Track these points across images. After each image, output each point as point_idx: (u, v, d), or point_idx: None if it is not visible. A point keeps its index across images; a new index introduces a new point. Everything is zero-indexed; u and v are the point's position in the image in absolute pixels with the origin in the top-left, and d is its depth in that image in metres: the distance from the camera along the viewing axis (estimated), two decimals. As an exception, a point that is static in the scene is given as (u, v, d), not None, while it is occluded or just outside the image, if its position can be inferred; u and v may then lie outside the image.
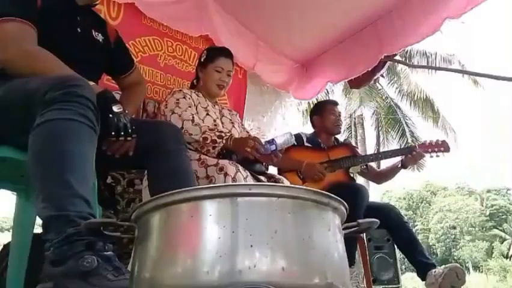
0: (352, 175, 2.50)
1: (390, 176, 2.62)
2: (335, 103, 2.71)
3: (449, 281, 1.96)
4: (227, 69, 1.95)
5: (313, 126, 2.68)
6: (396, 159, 2.53)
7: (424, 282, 2.12)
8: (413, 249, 2.25)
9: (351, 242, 2.13)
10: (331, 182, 2.33)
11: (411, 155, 2.36)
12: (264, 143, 1.60)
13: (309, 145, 2.54)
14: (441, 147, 2.39)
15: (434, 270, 2.07)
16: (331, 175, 2.37)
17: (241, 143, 1.61)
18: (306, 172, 2.34)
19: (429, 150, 2.38)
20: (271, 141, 1.62)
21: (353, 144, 2.77)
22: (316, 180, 2.32)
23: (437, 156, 2.42)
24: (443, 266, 2.09)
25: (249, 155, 1.58)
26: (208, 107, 1.90)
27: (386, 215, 2.29)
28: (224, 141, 1.62)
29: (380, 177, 2.68)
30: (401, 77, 11.51)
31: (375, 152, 2.76)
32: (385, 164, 2.75)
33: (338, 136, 2.71)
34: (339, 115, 2.66)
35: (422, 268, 2.16)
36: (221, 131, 1.67)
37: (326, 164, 2.40)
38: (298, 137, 2.53)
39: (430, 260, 2.24)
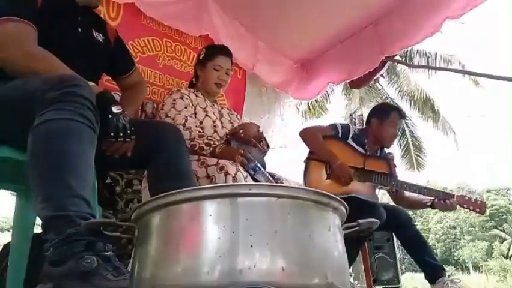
0: (376, 191, 2.37)
1: (412, 207, 2.52)
2: (402, 115, 2.50)
3: None
4: (226, 68, 1.94)
5: (368, 124, 2.49)
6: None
7: (431, 284, 2.10)
8: (422, 250, 2.22)
9: (355, 243, 2.12)
10: (355, 191, 2.20)
11: (444, 201, 2.22)
12: (249, 162, 1.57)
13: (352, 143, 2.38)
14: (478, 207, 2.21)
15: (447, 280, 2.03)
16: (357, 184, 2.24)
17: (229, 154, 1.59)
18: (336, 170, 2.23)
19: (465, 205, 2.22)
20: (257, 168, 1.56)
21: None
22: (342, 183, 2.21)
23: (469, 212, 2.30)
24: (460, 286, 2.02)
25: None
26: (207, 107, 1.89)
27: (395, 217, 2.25)
28: (211, 149, 1.62)
29: (403, 201, 2.49)
30: (401, 77, 11.50)
31: (411, 183, 2.48)
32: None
33: None
34: (399, 129, 2.50)
35: (431, 270, 2.13)
36: (210, 139, 1.67)
37: (358, 171, 2.28)
38: (345, 128, 2.43)
39: (439, 262, 2.22)
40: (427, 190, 2.25)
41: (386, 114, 2.41)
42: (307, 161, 2.36)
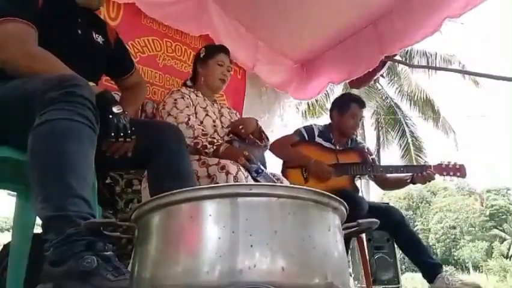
0: (356, 183, 2.41)
1: (397, 186, 2.55)
2: (361, 105, 2.51)
3: None
4: (227, 65, 1.98)
5: (331, 119, 2.55)
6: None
7: (430, 284, 2.08)
8: (416, 250, 2.21)
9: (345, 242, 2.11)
10: (333, 187, 2.22)
11: (421, 174, 2.25)
12: (253, 166, 1.57)
13: (320, 141, 2.44)
14: (458, 171, 2.23)
15: (445, 275, 2.02)
16: (336, 179, 2.29)
17: (232, 154, 1.60)
18: (313, 170, 2.27)
19: (444, 172, 2.25)
20: (260, 171, 1.57)
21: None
22: (322, 180, 2.26)
23: (451, 180, 2.31)
24: (460, 280, 2.00)
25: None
26: (207, 107, 1.89)
27: (389, 217, 2.25)
28: (215, 147, 1.62)
29: (387, 184, 2.56)
30: (401, 77, 11.51)
31: (387, 165, 2.50)
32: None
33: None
34: (360, 119, 2.52)
35: (428, 269, 2.12)
36: (213, 138, 1.67)
37: (333, 166, 2.32)
38: (309, 130, 2.47)
39: (435, 260, 2.20)
40: (404, 168, 2.34)
41: (346, 107, 2.45)
42: (283, 171, 2.39)
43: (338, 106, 2.53)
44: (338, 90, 10.55)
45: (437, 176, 2.26)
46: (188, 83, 2.03)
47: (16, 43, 1.07)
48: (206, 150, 1.62)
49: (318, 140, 2.45)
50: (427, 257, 2.17)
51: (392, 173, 2.38)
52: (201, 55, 2.00)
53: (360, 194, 2.49)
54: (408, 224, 2.36)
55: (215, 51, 1.99)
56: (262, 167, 1.60)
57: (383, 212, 2.25)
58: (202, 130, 1.70)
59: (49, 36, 1.16)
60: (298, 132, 2.46)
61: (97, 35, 1.40)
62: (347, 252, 2.25)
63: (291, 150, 2.38)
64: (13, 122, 0.99)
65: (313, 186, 2.18)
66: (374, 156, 2.55)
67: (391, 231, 2.37)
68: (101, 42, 1.41)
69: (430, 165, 2.30)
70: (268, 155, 2.00)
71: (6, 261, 1.13)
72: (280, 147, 2.40)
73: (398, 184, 2.52)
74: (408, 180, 2.36)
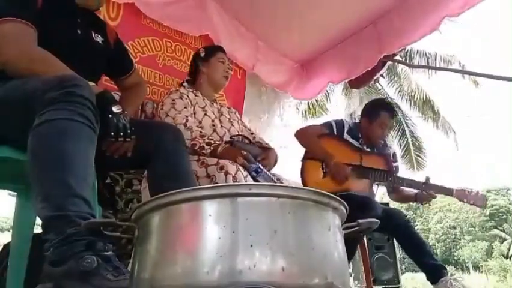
0: (373, 188, 2.36)
1: (404, 200, 2.53)
2: (392, 114, 2.41)
3: None
4: (227, 62, 2.03)
5: (360, 123, 2.48)
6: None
7: (433, 285, 2.08)
8: (421, 252, 2.20)
9: (352, 242, 2.11)
10: (351, 188, 2.20)
11: (426, 192, 2.21)
12: (251, 166, 1.57)
13: (348, 138, 2.39)
14: (478, 200, 2.17)
15: (449, 279, 2.02)
16: (354, 181, 2.24)
17: (230, 154, 1.60)
18: (331, 169, 2.24)
19: (465, 199, 2.18)
20: (259, 170, 1.56)
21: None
22: (338, 182, 2.22)
23: (470, 206, 2.27)
24: (463, 286, 2.00)
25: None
26: (206, 106, 1.89)
27: (393, 219, 2.24)
28: (212, 148, 1.62)
29: (397, 195, 2.49)
30: (401, 77, 11.51)
31: (409, 178, 2.40)
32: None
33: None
34: (390, 129, 2.45)
35: (433, 271, 2.11)
36: (211, 139, 1.67)
37: (355, 168, 2.27)
38: (340, 124, 2.42)
39: (439, 261, 2.20)
40: (425, 185, 2.23)
41: (375, 115, 2.37)
42: (304, 160, 2.38)
43: (367, 113, 2.44)
44: (338, 91, 10.57)
45: (457, 200, 2.22)
46: (186, 84, 2.02)
47: (15, 44, 1.07)
48: (204, 151, 1.62)
49: (346, 136, 2.39)
50: (431, 259, 2.16)
51: (413, 188, 2.29)
52: (201, 54, 2.01)
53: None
54: (412, 226, 2.35)
55: (215, 50, 2.03)
56: (261, 167, 1.59)
57: (387, 214, 2.22)
58: (200, 132, 1.70)
59: (49, 36, 1.16)
60: (328, 124, 2.42)
61: (96, 35, 1.40)
62: (352, 255, 2.25)
63: (316, 143, 2.33)
64: (13, 122, 0.99)
65: (328, 184, 2.21)
66: (398, 163, 2.48)
67: (395, 234, 2.36)
68: (100, 42, 1.41)
69: (453, 189, 2.21)
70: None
71: (6, 261, 1.13)
72: (305, 135, 2.37)
73: (406, 199, 2.48)
74: (414, 199, 2.34)
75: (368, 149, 2.40)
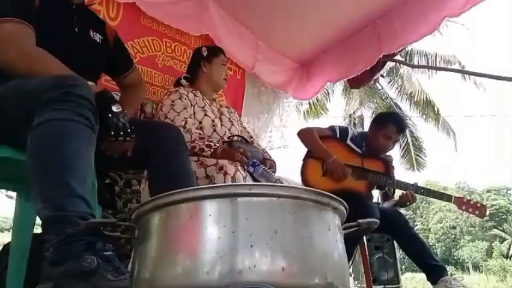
0: (372, 190, 2.38)
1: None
2: (400, 129, 2.40)
3: None
4: (227, 65, 2.07)
5: (369, 130, 2.50)
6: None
7: (433, 285, 2.08)
8: (420, 252, 2.20)
9: (351, 243, 2.11)
10: (348, 189, 2.23)
11: (406, 194, 2.26)
12: (249, 161, 1.60)
13: (351, 144, 2.40)
14: (478, 210, 2.16)
15: (448, 279, 2.02)
16: (353, 182, 2.27)
17: (229, 154, 1.61)
18: (329, 166, 2.26)
19: (464, 207, 2.18)
20: (256, 164, 1.59)
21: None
22: (335, 179, 2.25)
23: (468, 216, 2.31)
24: (462, 286, 2.00)
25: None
26: (206, 106, 1.89)
27: (392, 220, 2.24)
28: (212, 151, 1.63)
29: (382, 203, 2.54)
30: (402, 77, 11.51)
31: (407, 182, 2.42)
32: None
33: None
34: (395, 143, 2.41)
35: (432, 271, 2.11)
36: (211, 141, 1.67)
37: (355, 169, 2.30)
38: (344, 130, 2.46)
39: (439, 262, 2.20)
40: (424, 190, 2.24)
41: (383, 125, 2.37)
42: (305, 158, 2.40)
43: (377, 120, 2.48)
44: (338, 91, 10.58)
45: (455, 207, 2.22)
46: (184, 81, 2.02)
47: (14, 44, 1.07)
48: (204, 154, 1.63)
49: (349, 142, 2.41)
50: (431, 260, 2.17)
51: (411, 192, 2.29)
52: (204, 54, 2.00)
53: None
54: (411, 227, 2.36)
55: (217, 51, 2.03)
56: (258, 162, 1.62)
57: (386, 215, 2.21)
58: (200, 134, 1.70)
59: (47, 36, 1.15)
60: (331, 128, 2.47)
61: (94, 33, 1.40)
62: (352, 255, 2.26)
63: (317, 142, 2.35)
64: (13, 122, 0.99)
65: (328, 182, 2.24)
66: (394, 170, 2.49)
67: (394, 234, 2.36)
68: (99, 41, 1.41)
69: (452, 196, 2.21)
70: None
71: (6, 261, 1.13)
72: (307, 134, 2.40)
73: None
74: (395, 204, 2.38)
75: (369, 155, 2.40)
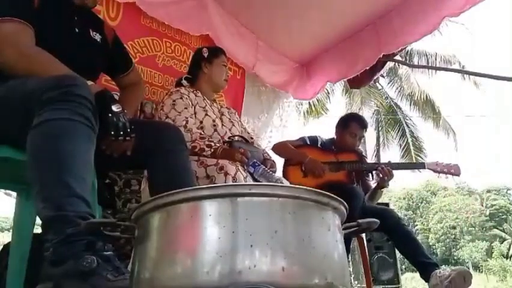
0: (353, 178, 2.48)
1: (377, 197, 2.60)
2: (362, 125, 2.61)
3: (455, 286, 1.94)
4: (227, 65, 2.06)
5: (335, 134, 2.67)
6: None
7: (428, 283, 2.09)
8: (413, 250, 2.23)
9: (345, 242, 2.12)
10: (330, 181, 2.35)
11: (381, 172, 2.36)
12: (249, 161, 1.61)
13: (321, 148, 2.58)
14: (452, 169, 2.34)
15: (438, 270, 2.05)
16: (333, 174, 2.40)
17: (229, 154, 1.62)
18: (307, 166, 2.38)
19: (438, 169, 2.36)
20: (256, 164, 1.61)
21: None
22: (316, 176, 2.36)
23: (446, 177, 2.40)
24: (450, 268, 2.05)
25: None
26: (207, 106, 1.89)
27: (385, 218, 2.26)
28: (212, 150, 1.63)
29: (372, 199, 2.61)
30: (402, 77, 11.51)
31: (381, 162, 2.64)
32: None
33: None
34: (360, 139, 2.62)
35: (425, 269, 2.13)
36: (211, 141, 1.67)
37: (331, 164, 2.43)
38: (313, 139, 2.61)
39: (432, 259, 2.22)
40: (397, 164, 2.42)
41: (347, 125, 2.58)
42: (284, 169, 2.50)
43: (340, 123, 2.65)
44: (338, 90, 10.57)
45: (431, 173, 2.38)
46: (184, 81, 2.02)
47: (14, 44, 1.07)
48: (204, 153, 1.63)
49: (319, 147, 2.58)
50: (424, 257, 2.19)
51: (389, 169, 2.42)
52: (205, 54, 2.00)
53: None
54: (404, 225, 2.39)
55: (217, 52, 2.04)
56: (258, 162, 1.62)
57: (379, 213, 2.27)
58: (200, 134, 1.70)
59: (46, 35, 1.15)
60: (301, 139, 2.61)
61: (94, 33, 1.40)
62: (347, 253, 2.27)
63: (291, 148, 2.49)
64: (13, 122, 0.99)
65: (310, 181, 2.35)
66: (366, 158, 2.68)
67: (388, 233, 2.40)
68: (98, 40, 1.41)
69: (424, 163, 2.40)
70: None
71: (6, 261, 1.13)
72: (281, 146, 2.53)
73: (377, 194, 2.57)
74: (376, 186, 2.50)
75: (340, 150, 2.57)
